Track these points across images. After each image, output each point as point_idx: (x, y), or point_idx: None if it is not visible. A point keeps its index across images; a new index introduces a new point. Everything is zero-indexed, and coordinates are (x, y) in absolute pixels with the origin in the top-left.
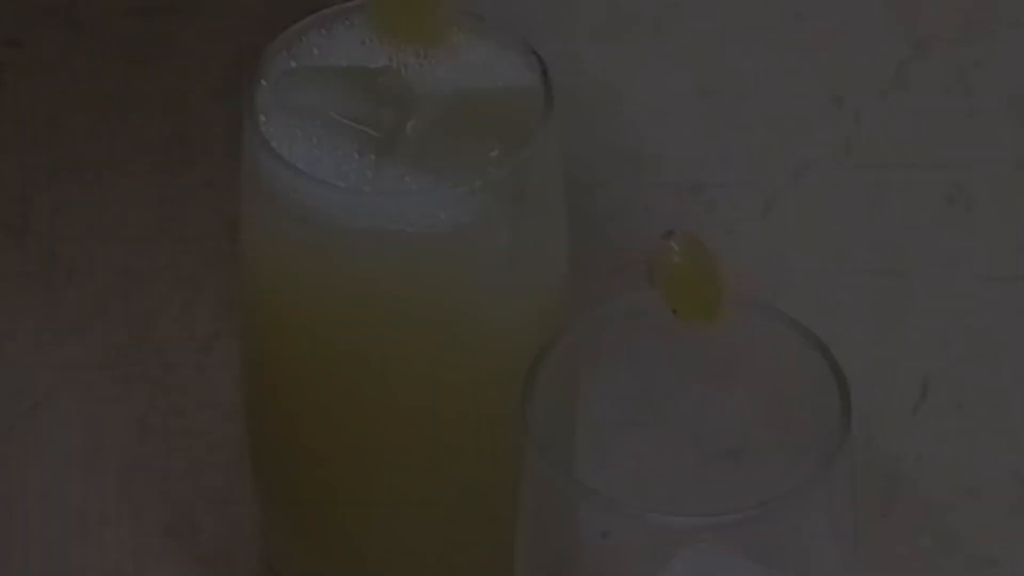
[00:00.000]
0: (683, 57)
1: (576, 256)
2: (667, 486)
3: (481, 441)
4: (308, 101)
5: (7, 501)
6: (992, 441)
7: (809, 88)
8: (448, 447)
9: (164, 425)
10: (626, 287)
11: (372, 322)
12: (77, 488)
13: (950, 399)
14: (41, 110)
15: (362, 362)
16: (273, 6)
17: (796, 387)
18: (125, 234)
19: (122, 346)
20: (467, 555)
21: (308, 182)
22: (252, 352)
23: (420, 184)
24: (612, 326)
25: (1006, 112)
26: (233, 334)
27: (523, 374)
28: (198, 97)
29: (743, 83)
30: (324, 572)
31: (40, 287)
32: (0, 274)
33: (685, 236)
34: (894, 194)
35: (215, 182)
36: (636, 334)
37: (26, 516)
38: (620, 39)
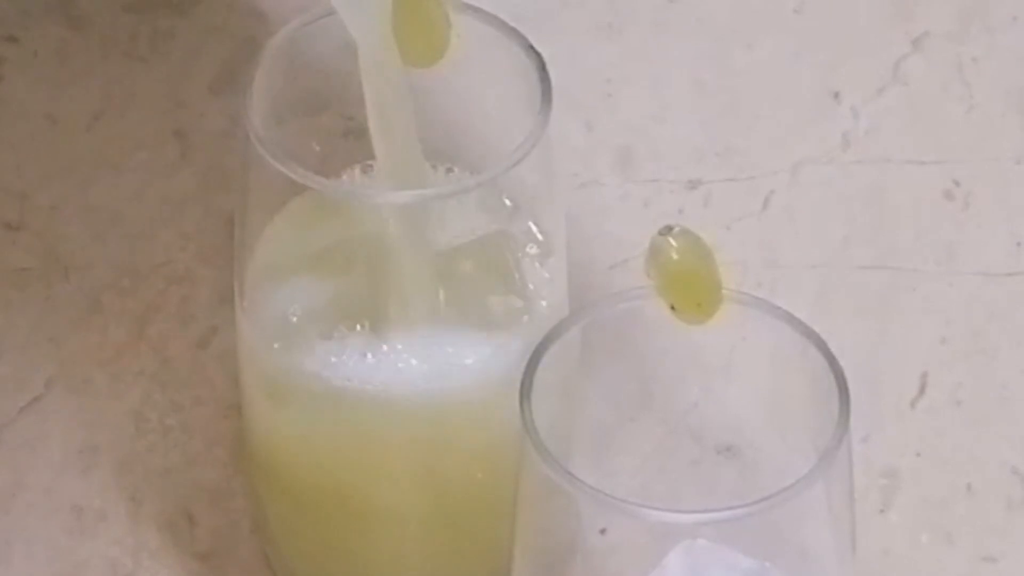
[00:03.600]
0: (680, 53)
1: (574, 252)
2: (665, 482)
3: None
4: (291, 302)
5: (4, 497)
6: (990, 437)
7: (807, 84)
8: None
9: (161, 421)
10: (624, 283)
11: (378, 476)
12: (74, 484)
13: (948, 395)
14: (38, 106)
15: (371, 499)
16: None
17: (794, 383)
18: (122, 230)
19: (119, 342)
20: (467, 554)
21: (315, 363)
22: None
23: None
24: (610, 322)
25: (1004, 107)
26: (230, 329)
27: None
28: (195, 93)
29: (740, 79)
30: (322, 570)
31: (37, 283)
32: None
33: (683, 232)
34: (892, 190)
35: (212, 178)
36: (634, 330)
37: (23, 512)
38: (618, 35)
